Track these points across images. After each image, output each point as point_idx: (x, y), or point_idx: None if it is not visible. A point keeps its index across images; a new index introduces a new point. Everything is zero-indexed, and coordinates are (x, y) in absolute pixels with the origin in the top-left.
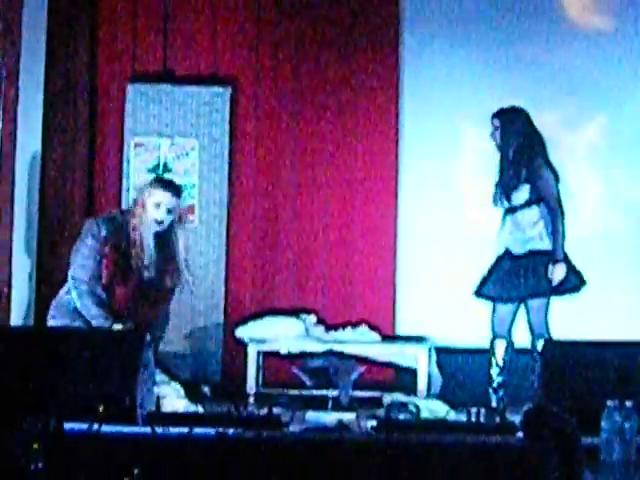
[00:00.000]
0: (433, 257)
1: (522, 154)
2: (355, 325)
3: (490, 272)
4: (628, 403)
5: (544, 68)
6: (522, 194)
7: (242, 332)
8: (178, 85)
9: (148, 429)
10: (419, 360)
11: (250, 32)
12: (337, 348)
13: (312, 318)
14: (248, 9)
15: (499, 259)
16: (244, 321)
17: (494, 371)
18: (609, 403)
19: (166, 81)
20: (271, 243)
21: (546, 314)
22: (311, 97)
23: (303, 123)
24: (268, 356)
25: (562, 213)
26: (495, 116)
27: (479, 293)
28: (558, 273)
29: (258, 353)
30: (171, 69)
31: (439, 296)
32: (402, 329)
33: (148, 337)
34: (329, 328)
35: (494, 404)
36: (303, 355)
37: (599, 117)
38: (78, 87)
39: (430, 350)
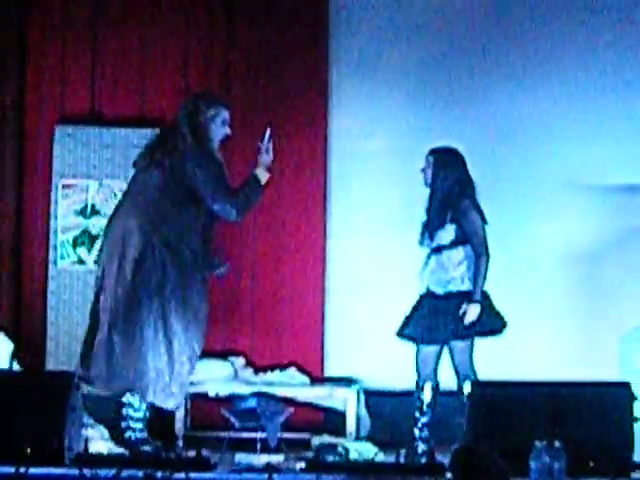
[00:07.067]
0: (362, 299)
1: (450, 195)
2: (284, 367)
3: (411, 313)
4: (557, 443)
5: (481, 109)
6: (447, 234)
7: None
8: (106, 127)
9: (76, 471)
10: (348, 402)
11: (177, 74)
12: (266, 390)
13: (241, 360)
14: (175, 53)
15: (421, 299)
16: None
17: (419, 412)
18: (537, 443)
19: (93, 123)
20: None
21: (471, 355)
22: (239, 140)
23: (231, 163)
24: (196, 398)
25: (487, 256)
26: (431, 153)
27: (401, 334)
28: (471, 313)
29: (186, 395)
30: (99, 111)
31: (368, 338)
32: (331, 371)
33: (75, 379)
34: (258, 370)
35: (420, 445)
36: (232, 397)
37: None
38: (6, 130)
39: (359, 392)
